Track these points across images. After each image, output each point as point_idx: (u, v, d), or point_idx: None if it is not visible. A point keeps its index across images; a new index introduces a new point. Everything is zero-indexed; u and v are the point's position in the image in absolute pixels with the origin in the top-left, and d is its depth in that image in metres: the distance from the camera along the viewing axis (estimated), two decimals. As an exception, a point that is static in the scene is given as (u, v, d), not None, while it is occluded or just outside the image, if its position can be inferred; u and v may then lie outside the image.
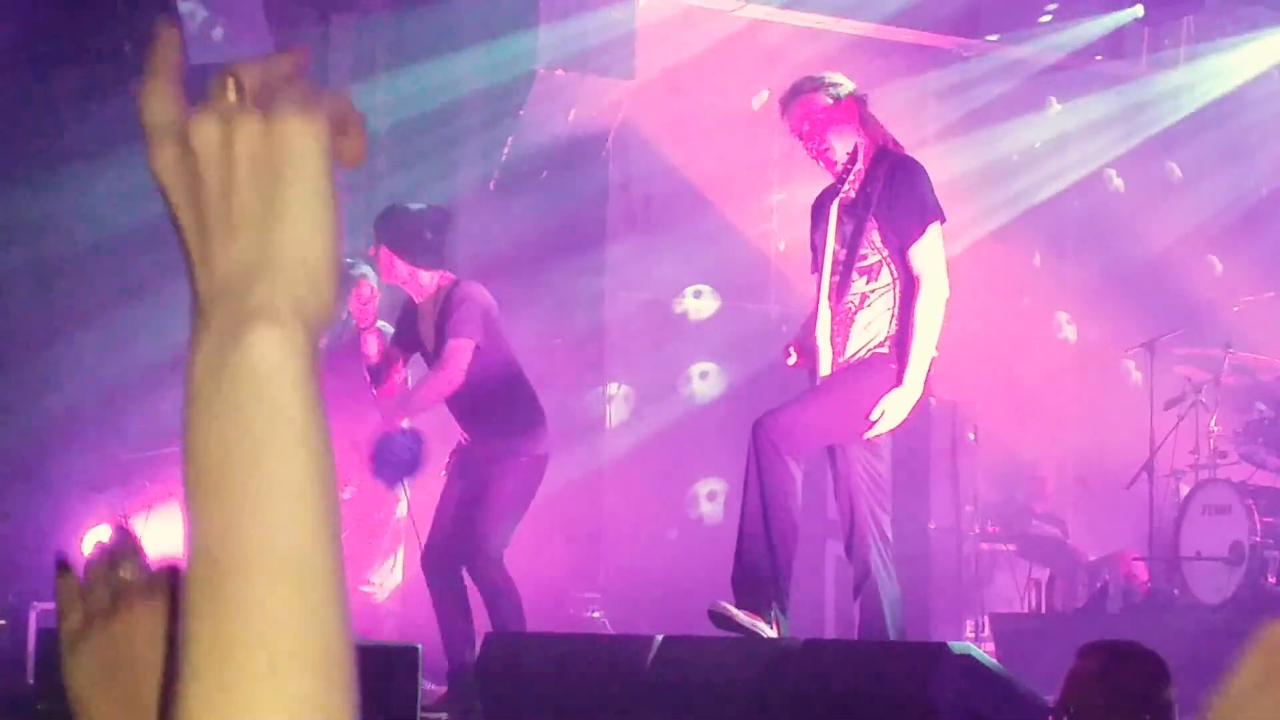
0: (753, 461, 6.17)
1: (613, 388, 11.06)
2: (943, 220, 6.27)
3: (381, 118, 10.01)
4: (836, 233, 6.24)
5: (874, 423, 6.20)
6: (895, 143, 6.41)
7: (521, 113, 10.00)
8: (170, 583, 1.28)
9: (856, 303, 6.25)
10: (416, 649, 6.14)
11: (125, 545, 1.31)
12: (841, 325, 6.28)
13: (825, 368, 6.25)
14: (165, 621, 1.27)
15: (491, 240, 10.05)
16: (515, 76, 9.98)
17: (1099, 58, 12.24)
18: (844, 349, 6.27)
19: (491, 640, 6.99)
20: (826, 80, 6.40)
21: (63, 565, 1.31)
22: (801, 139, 6.41)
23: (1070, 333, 12.43)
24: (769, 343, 11.47)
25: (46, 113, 9.48)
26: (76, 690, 1.30)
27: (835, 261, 6.25)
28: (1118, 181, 12.51)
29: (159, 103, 1.06)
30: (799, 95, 6.39)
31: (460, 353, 7.22)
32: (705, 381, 11.51)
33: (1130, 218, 12.16)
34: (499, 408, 7.36)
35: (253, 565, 0.97)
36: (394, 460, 6.96)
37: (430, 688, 7.25)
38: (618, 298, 11.05)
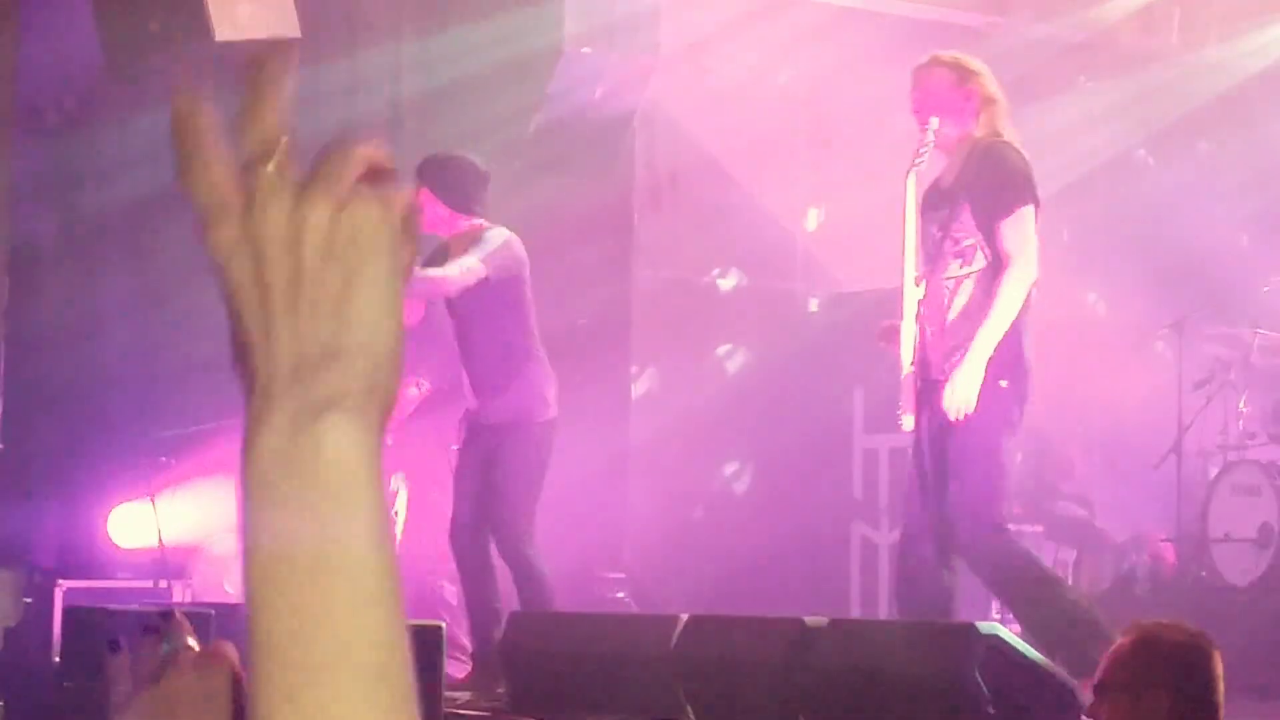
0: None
1: (638, 367, 11.04)
2: (1035, 204, 6.30)
3: (406, 88, 10.00)
4: (926, 214, 6.33)
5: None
6: (997, 131, 6.45)
7: (548, 89, 9.97)
8: (221, 657, 1.30)
9: (952, 286, 6.29)
10: (440, 627, 6.13)
11: (170, 626, 1.35)
12: (934, 308, 6.32)
13: (908, 353, 6.30)
14: (216, 690, 1.28)
15: (517, 220, 10.01)
16: (540, 53, 9.95)
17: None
18: (941, 332, 6.31)
19: (516, 619, 6.98)
20: (955, 60, 6.46)
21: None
22: (914, 112, 6.49)
23: (1100, 311, 12.36)
24: (795, 321, 11.44)
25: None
26: None
27: (928, 241, 6.34)
28: (1148, 160, 12.43)
29: (210, 182, 1.02)
30: (923, 70, 6.47)
31: (469, 272, 7.18)
32: (732, 360, 11.48)
33: (1160, 196, 12.08)
34: (508, 371, 7.31)
35: (330, 671, 0.94)
36: None
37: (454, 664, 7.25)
38: (644, 276, 11.02)
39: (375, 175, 1.02)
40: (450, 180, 7.35)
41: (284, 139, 1.02)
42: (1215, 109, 12.12)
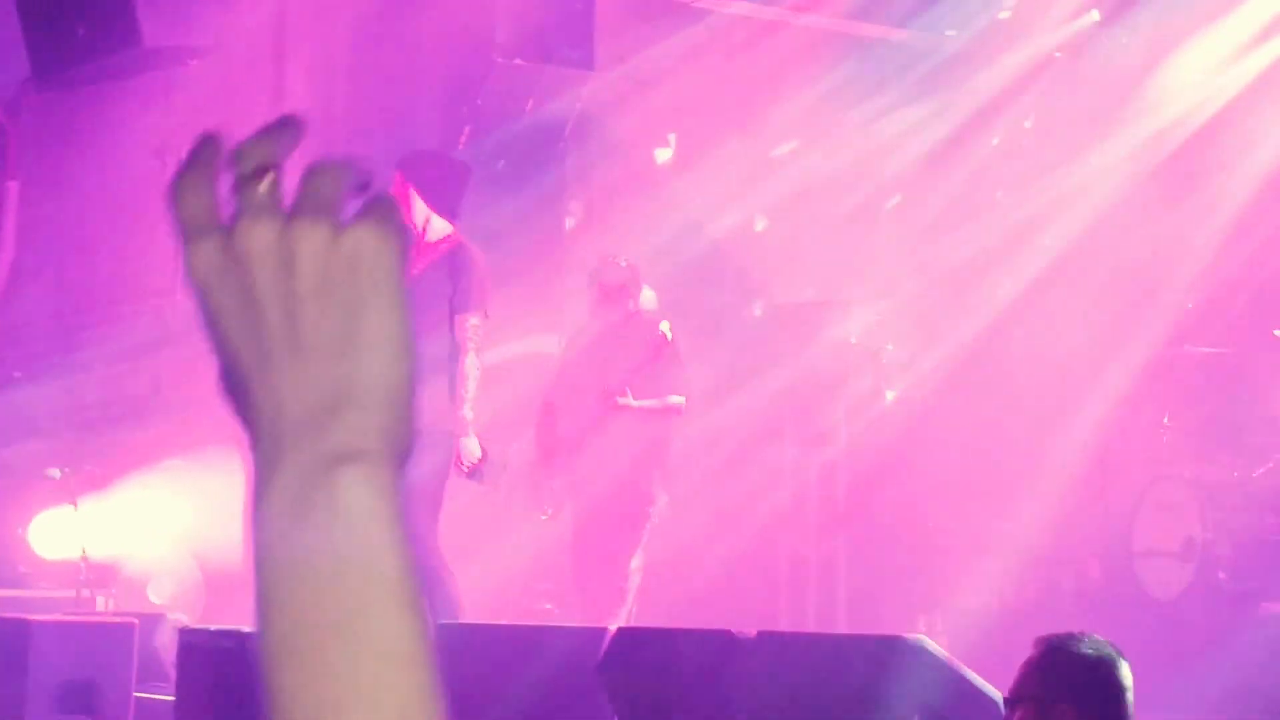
0: None
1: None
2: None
3: (339, 105, 9.96)
4: None
5: None
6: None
7: (479, 101, 9.96)
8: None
9: None
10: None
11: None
12: None
13: None
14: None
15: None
16: (472, 66, 9.94)
17: (1058, 55, 12.25)
18: None
19: (441, 631, 6.95)
20: None
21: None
22: None
23: (1024, 326, 12.42)
24: (731, 333, 11.43)
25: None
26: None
27: None
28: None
29: (197, 199, 0.97)
30: None
31: (479, 332, 7.21)
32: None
33: (1088, 204, 12.16)
34: (421, 379, 7.29)
35: (358, 670, 0.89)
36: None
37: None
38: (578, 289, 11.00)
39: (364, 194, 0.97)
40: (435, 179, 7.31)
41: (275, 169, 0.97)
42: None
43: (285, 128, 0.99)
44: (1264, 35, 11.29)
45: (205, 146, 0.99)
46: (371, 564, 0.92)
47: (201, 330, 0.96)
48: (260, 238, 0.94)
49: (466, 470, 7.16)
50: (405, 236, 0.97)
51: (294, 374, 0.93)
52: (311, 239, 0.94)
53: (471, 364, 7.15)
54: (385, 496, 0.93)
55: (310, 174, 0.97)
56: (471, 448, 7.16)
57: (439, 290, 7.17)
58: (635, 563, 8.74)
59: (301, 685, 0.90)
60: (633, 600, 8.65)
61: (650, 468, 8.78)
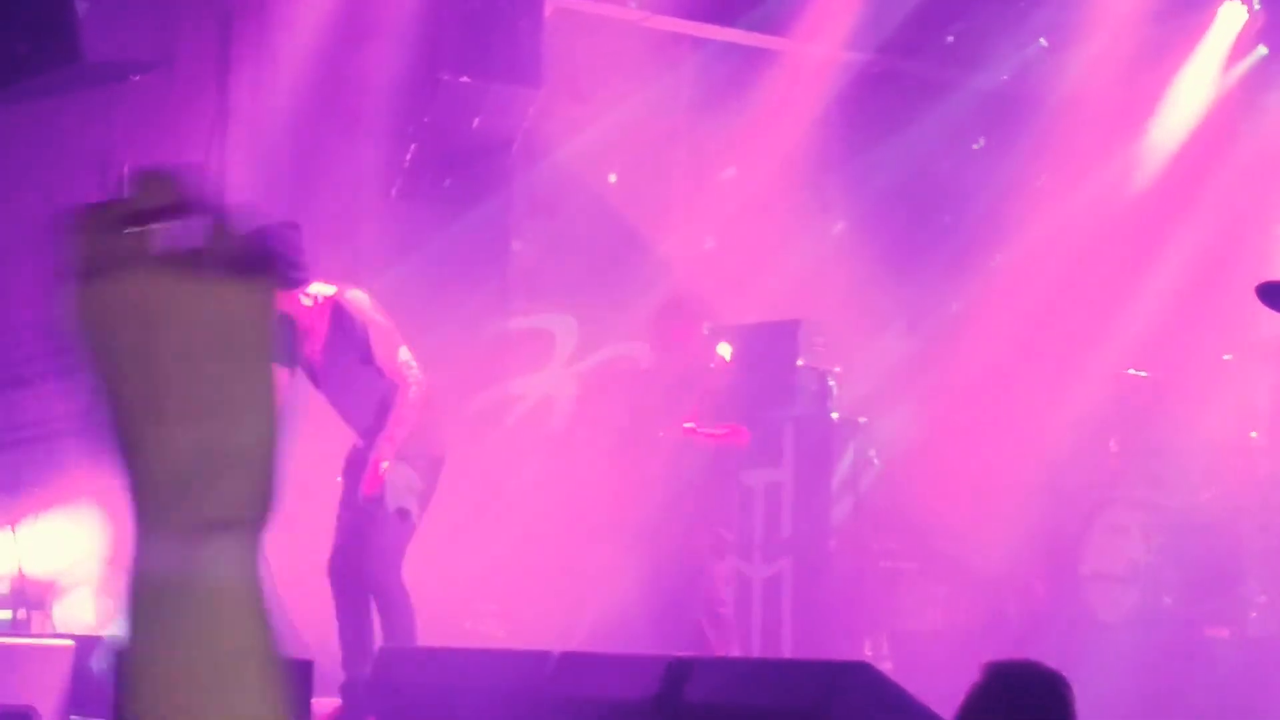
0: None
1: (517, 397, 10.97)
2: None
3: (282, 118, 9.89)
4: None
5: None
6: None
7: (425, 119, 9.90)
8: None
9: None
10: (309, 663, 6.02)
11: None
12: None
13: None
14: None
15: (393, 248, 9.94)
16: (419, 82, 9.89)
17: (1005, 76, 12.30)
18: None
19: (386, 653, 6.89)
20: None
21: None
22: None
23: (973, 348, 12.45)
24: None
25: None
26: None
27: None
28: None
29: (101, 239, 0.92)
30: None
31: (411, 358, 7.15)
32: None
33: (1035, 229, 12.20)
34: (389, 408, 7.23)
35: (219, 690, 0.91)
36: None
37: (323, 700, 7.14)
38: (521, 305, 10.97)
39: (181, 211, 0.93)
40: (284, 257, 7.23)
41: (169, 217, 0.94)
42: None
43: (176, 178, 0.95)
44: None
45: (119, 189, 0.94)
46: (244, 642, 0.93)
47: (85, 374, 0.94)
48: (162, 289, 0.92)
49: (378, 487, 7.09)
50: (276, 296, 0.95)
51: (178, 434, 0.92)
52: (182, 294, 0.92)
53: (413, 395, 7.10)
54: (254, 568, 0.94)
55: (141, 184, 0.94)
56: (383, 472, 7.11)
57: (350, 347, 7.14)
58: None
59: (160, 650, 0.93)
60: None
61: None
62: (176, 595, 0.93)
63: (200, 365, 0.92)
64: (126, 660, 0.94)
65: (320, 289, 7.28)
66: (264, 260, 0.94)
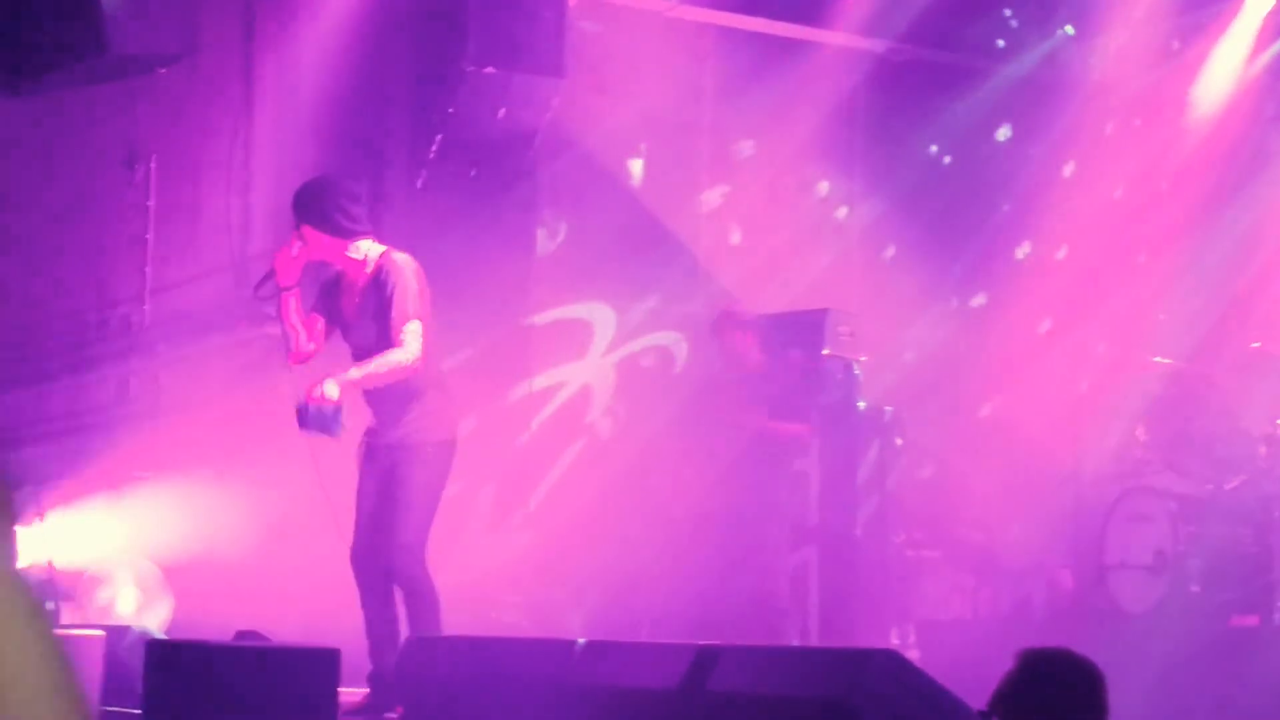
0: None
1: (539, 385, 10.98)
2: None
3: (307, 114, 9.91)
4: None
5: None
6: None
7: (450, 110, 9.91)
8: None
9: None
10: (336, 652, 6.04)
11: None
12: None
13: None
14: None
15: (419, 239, 9.95)
16: (444, 73, 9.89)
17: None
18: None
19: (412, 643, 6.90)
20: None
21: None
22: None
23: (996, 336, 12.43)
24: (703, 344, 11.41)
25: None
26: None
27: None
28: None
29: None
30: None
31: (418, 335, 7.12)
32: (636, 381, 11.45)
33: (1060, 218, 12.17)
34: (408, 392, 7.23)
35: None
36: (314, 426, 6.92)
37: (350, 690, 7.16)
38: (546, 297, 10.97)
39: None
40: (326, 209, 7.22)
41: None
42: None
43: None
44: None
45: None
46: None
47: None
48: None
49: (309, 402, 6.99)
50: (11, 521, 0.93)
51: None
52: None
53: (394, 358, 7.07)
54: None
55: None
56: (330, 392, 7.02)
57: (380, 308, 7.12)
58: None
59: None
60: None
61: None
62: None
63: None
64: None
65: (371, 247, 7.27)
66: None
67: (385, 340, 7.13)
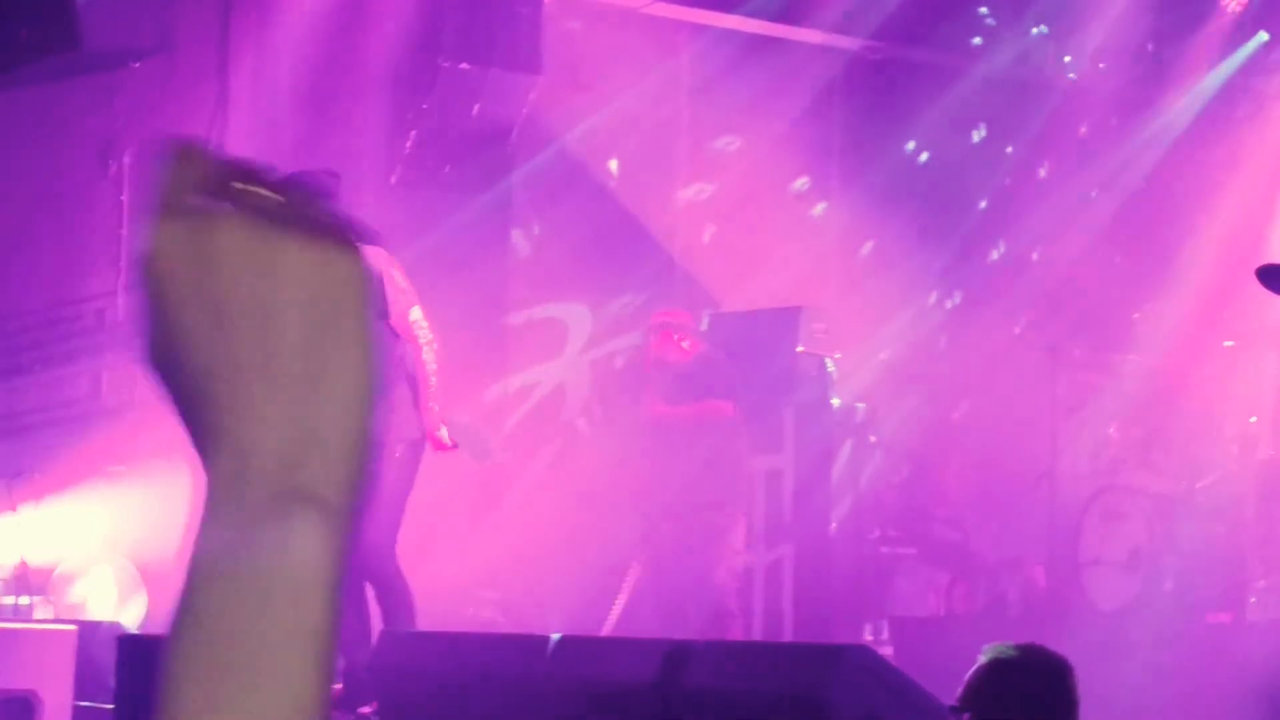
0: None
1: (515, 384, 10.97)
2: None
3: (284, 109, 9.89)
4: None
5: None
6: None
7: (425, 106, 9.90)
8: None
9: None
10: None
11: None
12: None
13: None
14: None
15: (393, 235, 9.92)
16: (419, 68, 9.88)
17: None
18: None
19: (387, 638, 6.89)
20: None
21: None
22: None
23: (973, 334, 12.46)
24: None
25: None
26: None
27: None
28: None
29: (187, 173, 0.86)
30: None
31: (420, 324, 7.16)
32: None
33: (1036, 218, 12.20)
34: (403, 375, 7.22)
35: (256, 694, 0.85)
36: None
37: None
38: (522, 296, 10.96)
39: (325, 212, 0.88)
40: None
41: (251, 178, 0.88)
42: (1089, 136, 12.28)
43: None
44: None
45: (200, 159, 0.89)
46: (300, 614, 0.86)
47: (144, 333, 0.87)
48: (248, 245, 0.85)
49: (451, 445, 7.15)
50: (364, 268, 0.89)
51: (264, 408, 0.86)
52: (298, 255, 0.86)
53: (429, 356, 7.10)
54: (334, 553, 0.87)
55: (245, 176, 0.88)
56: (445, 438, 7.14)
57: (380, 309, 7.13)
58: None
59: (194, 700, 0.86)
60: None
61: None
62: (246, 561, 0.85)
63: (284, 328, 0.86)
64: (173, 645, 0.87)
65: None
66: (353, 228, 0.89)
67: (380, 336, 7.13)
